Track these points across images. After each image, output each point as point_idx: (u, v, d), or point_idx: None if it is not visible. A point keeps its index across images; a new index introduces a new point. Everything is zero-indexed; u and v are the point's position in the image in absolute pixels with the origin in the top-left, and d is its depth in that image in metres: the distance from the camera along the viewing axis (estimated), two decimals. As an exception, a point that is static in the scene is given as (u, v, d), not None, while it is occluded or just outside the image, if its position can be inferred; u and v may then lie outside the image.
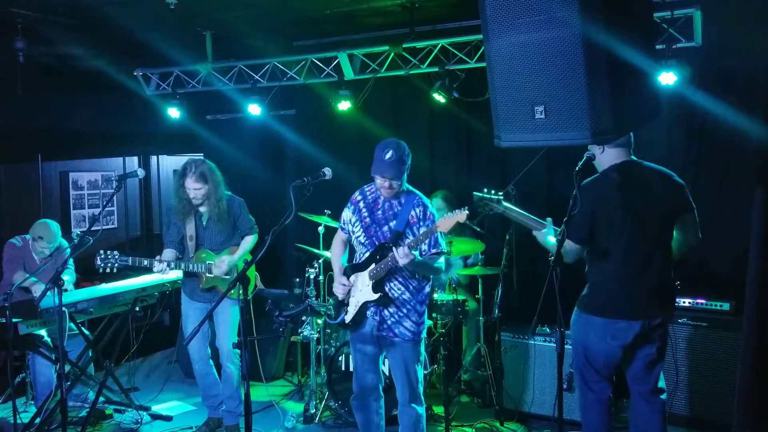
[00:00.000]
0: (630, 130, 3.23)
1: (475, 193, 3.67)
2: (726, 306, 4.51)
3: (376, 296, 3.64)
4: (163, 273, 4.41)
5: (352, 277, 3.76)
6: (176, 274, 4.81)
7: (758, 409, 3.84)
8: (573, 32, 2.46)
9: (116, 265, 4.37)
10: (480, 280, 5.16)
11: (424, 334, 3.77)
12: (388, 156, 3.53)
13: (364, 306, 3.70)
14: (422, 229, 3.60)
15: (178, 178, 4.45)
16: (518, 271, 5.08)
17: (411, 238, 3.60)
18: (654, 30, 4.19)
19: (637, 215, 3.37)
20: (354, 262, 3.82)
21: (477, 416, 4.92)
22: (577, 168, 3.13)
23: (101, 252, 4.36)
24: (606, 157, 3.45)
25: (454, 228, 3.44)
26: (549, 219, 3.54)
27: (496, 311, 4.87)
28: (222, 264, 4.48)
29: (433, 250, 3.63)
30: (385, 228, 3.68)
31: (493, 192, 3.64)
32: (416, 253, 3.47)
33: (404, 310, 3.67)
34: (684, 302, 4.58)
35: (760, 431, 3.84)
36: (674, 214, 3.46)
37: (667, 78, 4.42)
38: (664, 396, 3.60)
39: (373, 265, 3.65)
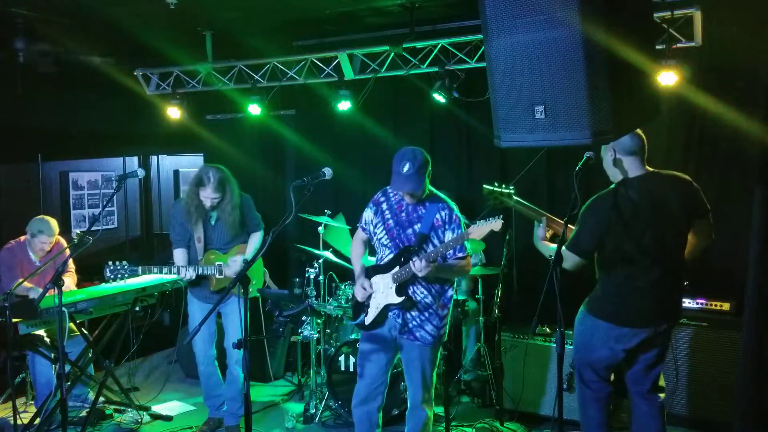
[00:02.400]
0: (630, 130, 3.21)
1: (485, 185, 3.64)
2: (726, 306, 4.51)
3: (400, 300, 3.58)
4: (191, 278, 4.41)
5: (374, 279, 3.70)
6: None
7: (758, 409, 3.84)
8: (573, 32, 2.46)
9: (126, 275, 4.36)
10: (480, 280, 5.16)
11: (445, 338, 3.73)
12: (405, 169, 3.44)
13: (386, 308, 3.64)
14: (448, 233, 3.57)
15: (194, 185, 4.39)
16: (518, 271, 5.08)
17: (436, 241, 3.56)
18: (654, 30, 4.19)
19: (649, 231, 3.32)
20: (376, 263, 3.76)
21: (477, 416, 4.92)
22: (577, 168, 3.13)
23: (110, 263, 4.34)
24: (620, 167, 3.38)
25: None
26: (543, 219, 3.53)
27: (496, 311, 4.87)
28: (234, 264, 4.47)
29: (459, 254, 3.57)
30: (410, 231, 3.62)
31: (503, 186, 3.61)
32: (434, 264, 3.42)
33: (426, 314, 3.62)
34: (684, 302, 4.57)
35: (760, 431, 3.84)
36: (690, 220, 3.42)
37: (667, 78, 4.42)
38: (662, 395, 3.60)
39: (397, 268, 3.59)
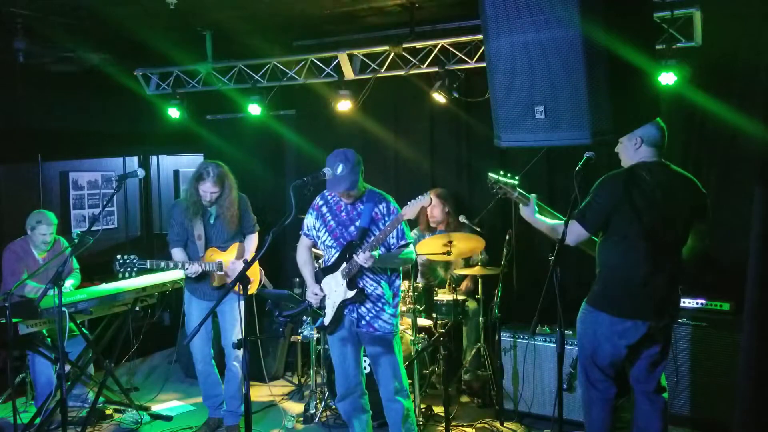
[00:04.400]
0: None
1: (490, 173, 3.64)
2: (726, 306, 4.51)
3: (352, 293, 3.69)
4: (196, 272, 4.42)
5: (325, 280, 3.80)
6: (180, 274, 4.82)
7: (758, 409, 3.84)
8: (573, 32, 2.46)
9: (135, 269, 4.37)
10: (480, 280, 5.16)
11: (399, 327, 3.84)
12: (339, 171, 3.55)
13: (342, 305, 3.74)
14: (388, 224, 3.67)
15: (193, 181, 4.44)
16: (518, 271, 5.08)
17: (377, 233, 3.66)
18: (654, 30, 4.18)
19: (658, 217, 3.36)
20: (324, 265, 3.85)
21: (477, 416, 4.92)
22: (577, 168, 3.13)
23: (119, 257, 4.36)
24: (639, 154, 3.44)
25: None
26: (533, 195, 3.56)
27: (496, 311, 4.87)
28: (235, 269, 4.51)
29: (401, 242, 3.71)
30: (351, 228, 3.74)
31: (509, 175, 3.62)
32: (376, 253, 3.55)
33: (380, 305, 3.74)
34: (684, 302, 4.57)
35: (760, 431, 3.84)
36: (692, 221, 3.45)
37: (667, 78, 4.42)
38: (665, 395, 3.60)
39: (344, 264, 3.70)
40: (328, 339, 3.97)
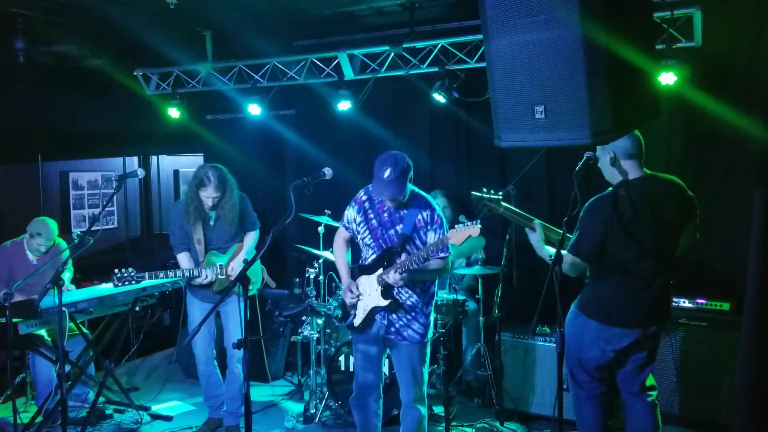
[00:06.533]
0: (630, 131, 3.22)
1: (473, 192, 3.64)
2: (726, 306, 4.51)
3: (386, 302, 3.61)
4: (204, 280, 4.41)
5: (360, 280, 3.72)
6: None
7: (758, 409, 3.84)
8: (573, 32, 2.46)
9: (133, 282, 4.36)
10: (480, 280, 5.16)
11: (430, 334, 3.76)
12: (386, 175, 3.44)
13: (373, 310, 3.68)
14: (430, 234, 3.58)
15: (194, 186, 4.40)
16: (518, 271, 5.08)
17: (418, 242, 3.59)
18: (654, 30, 4.19)
19: (648, 233, 3.32)
20: (360, 263, 3.78)
21: (477, 416, 4.92)
22: (577, 168, 3.13)
23: (116, 271, 4.32)
24: (618, 169, 3.37)
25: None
26: (538, 222, 3.50)
27: (496, 311, 4.87)
28: (236, 267, 4.48)
29: (441, 254, 3.59)
30: (392, 231, 3.64)
31: (492, 192, 3.60)
32: (406, 274, 3.47)
33: (412, 314, 3.66)
34: (684, 302, 4.58)
35: (760, 431, 3.84)
36: (683, 225, 3.43)
37: (667, 78, 4.42)
38: (654, 392, 3.60)
39: (380, 270, 3.62)
40: (352, 337, 3.90)
